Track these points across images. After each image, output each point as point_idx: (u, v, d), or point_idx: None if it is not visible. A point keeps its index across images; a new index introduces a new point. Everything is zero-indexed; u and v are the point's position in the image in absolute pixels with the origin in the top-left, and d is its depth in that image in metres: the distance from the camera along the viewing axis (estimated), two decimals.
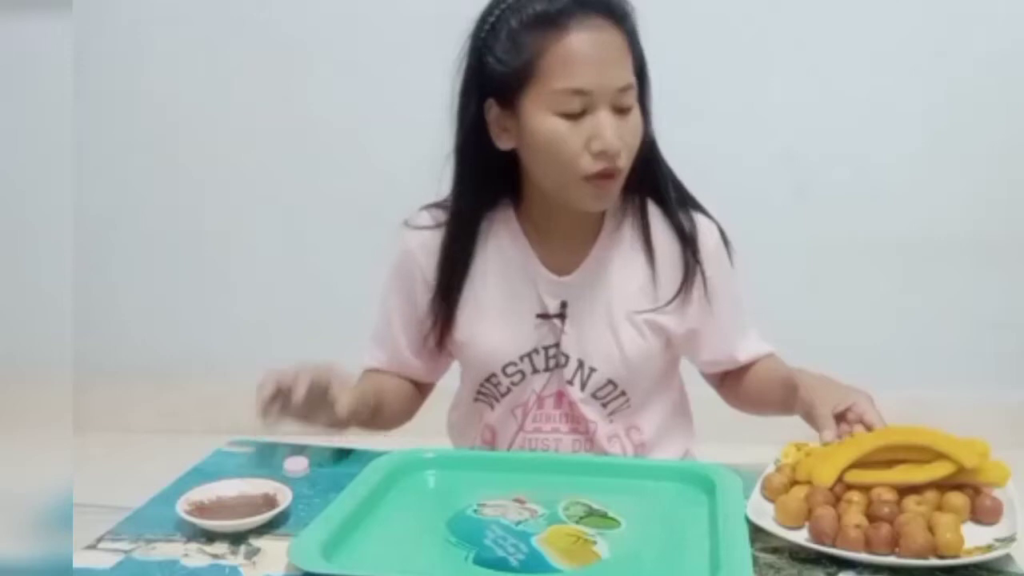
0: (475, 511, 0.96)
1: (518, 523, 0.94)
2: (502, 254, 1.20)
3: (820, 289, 2.65)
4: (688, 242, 1.19)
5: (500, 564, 0.86)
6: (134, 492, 1.06)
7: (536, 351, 1.19)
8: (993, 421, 2.68)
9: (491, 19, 1.10)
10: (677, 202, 1.20)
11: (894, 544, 0.84)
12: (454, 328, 1.21)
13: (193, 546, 0.91)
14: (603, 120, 1.06)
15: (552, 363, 1.19)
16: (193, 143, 2.78)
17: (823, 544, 0.86)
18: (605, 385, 1.19)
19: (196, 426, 2.73)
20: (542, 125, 1.08)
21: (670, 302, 1.19)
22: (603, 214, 1.20)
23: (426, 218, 1.24)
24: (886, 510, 0.89)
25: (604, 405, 1.20)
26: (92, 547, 0.91)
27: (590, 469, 1.07)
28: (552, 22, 1.06)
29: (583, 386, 1.19)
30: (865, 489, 0.93)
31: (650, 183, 1.19)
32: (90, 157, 2.63)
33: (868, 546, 0.85)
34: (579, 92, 1.06)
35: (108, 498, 1.43)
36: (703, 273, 1.19)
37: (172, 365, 2.90)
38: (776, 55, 2.50)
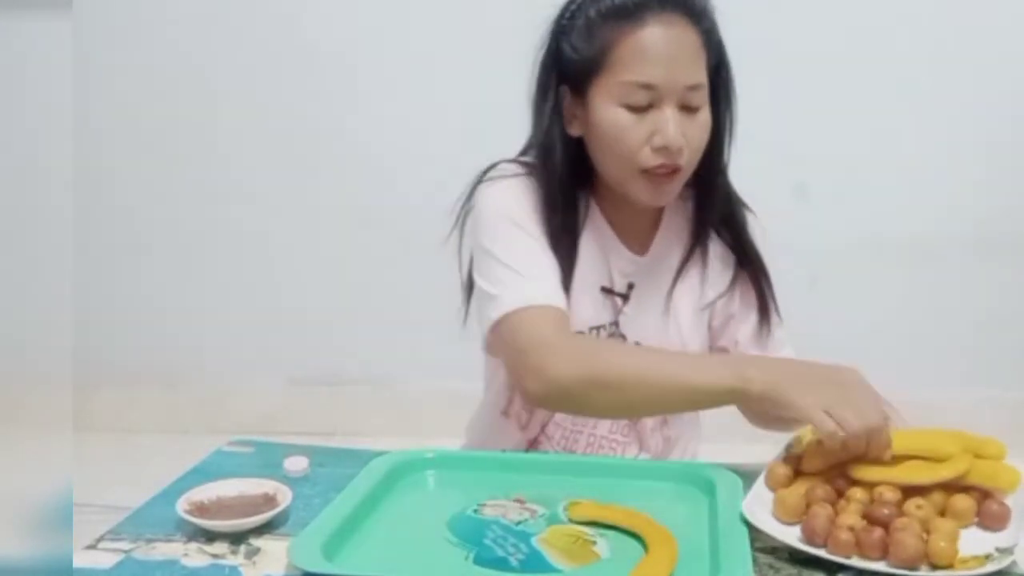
0: (475, 511, 0.96)
1: (518, 523, 0.94)
2: (583, 227, 1.19)
3: (820, 289, 2.64)
4: (741, 231, 1.22)
5: (500, 564, 0.86)
6: (134, 492, 1.06)
7: (603, 326, 1.20)
8: (993, 421, 2.68)
9: (572, 7, 1.12)
10: (732, 203, 1.22)
11: (885, 550, 0.83)
12: None
13: (193, 546, 0.91)
14: (668, 116, 1.07)
15: None
16: (193, 144, 2.78)
17: (814, 545, 0.85)
18: None
19: (196, 426, 2.74)
20: (607, 115, 1.09)
21: (723, 294, 1.22)
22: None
23: (514, 168, 1.21)
24: (885, 512, 0.87)
25: None
26: (92, 547, 0.91)
27: (590, 469, 1.07)
28: (628, 15, 1.07)
29: None
30: (869, 487, 0.92)
31: (711, 180, 1.19)
32: (90, 157, 2.64)
33: (859, 549, 0.83)
34: (646, 86, 1.07)
35: (108, 498, 1.43)
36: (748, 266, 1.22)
37: (172, 365, 2.90)
38: (776, 55, 2.50)
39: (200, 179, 2.80)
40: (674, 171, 1.10)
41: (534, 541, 0.90)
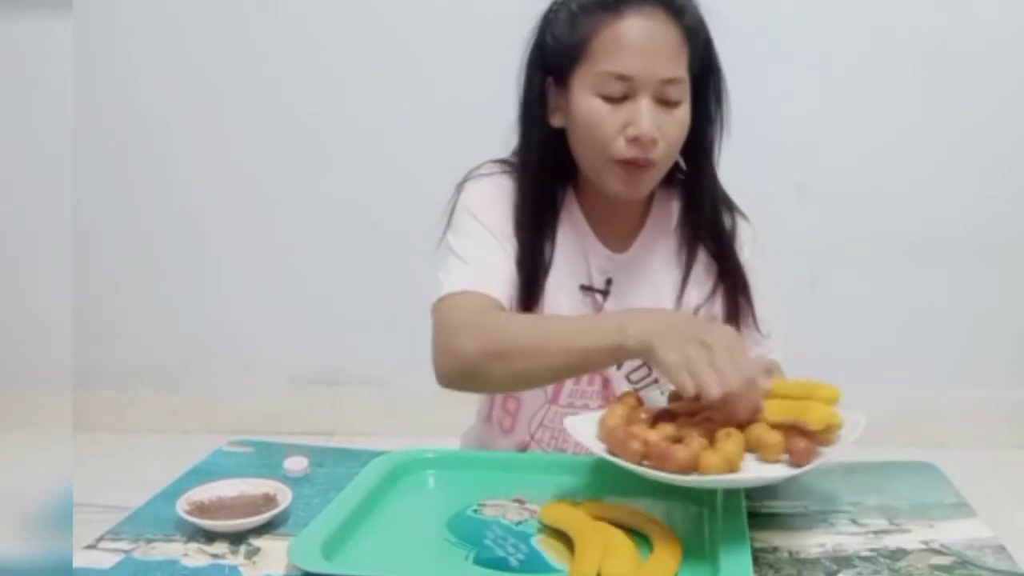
0: (475, 511, 0.97)
1: (518, 523, 0.94)
2: (559, 222, 1.20)
3: (820, 289, 2.65)
4: (725, 241, 1.21)
5: (500, 564, 0.86)
6: (134, 492, 1.07)
7: None
8: (993, 421, 2.69)
9: (559, 1, 1.15)
10: (720, 202, 1.22)
11: (664, 461, 0.86)
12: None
13: (193, 546, 0.91)
14: (643, 107, 1.08)
15: None
16: (192, 144, 2.78)
17: (612, 454, 0.89)
18: (640, 367, 1.19)
19: (196, 426, 2.74)
20: (584, 105, 1.10)
21: (705, 300, 1.21)
22: (651, 200, 1.22)
23: (496, 167, 1.23)
24: (678, 431, 0.91)
25: (634, 386, 1.20)
26: (92, 547, 0.91)
27: (590, 470, 1.07)
28: (608, 6, 1.09)
29: (619, 365, 1.19)
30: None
31: (697, 182, 1.20)
32: (90, 157, 2.63)
33: (647, 458, 0.87)
34: (622, 77, 1.08)
35: (108, 498, 1.43)
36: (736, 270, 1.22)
37: (171, 365, 2.90)
38: (776, 55, 2.50)
39: (200, 179, 2.80)
40: (647, 164, 1.10)
41: (534, 541, 0.90)
